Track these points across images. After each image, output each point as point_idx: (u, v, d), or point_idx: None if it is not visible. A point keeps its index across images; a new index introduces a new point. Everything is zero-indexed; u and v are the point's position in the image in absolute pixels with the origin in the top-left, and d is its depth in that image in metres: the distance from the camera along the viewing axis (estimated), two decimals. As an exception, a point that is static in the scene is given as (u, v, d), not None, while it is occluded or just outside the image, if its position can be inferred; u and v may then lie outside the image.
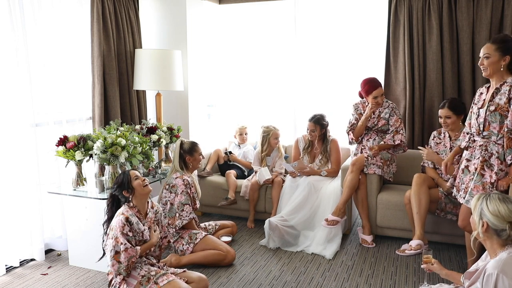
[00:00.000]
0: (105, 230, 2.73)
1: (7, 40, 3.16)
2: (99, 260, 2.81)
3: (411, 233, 3.54)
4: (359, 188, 3.73)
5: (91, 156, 3.30)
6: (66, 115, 3.70)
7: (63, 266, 3.38)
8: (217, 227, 3.81)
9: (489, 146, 2.75)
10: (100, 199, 3.15)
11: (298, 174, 4.04)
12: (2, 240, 3.19)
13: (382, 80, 4.01)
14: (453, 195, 3.01)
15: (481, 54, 2.73)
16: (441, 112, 3.48)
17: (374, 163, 3.74)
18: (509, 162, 2.69)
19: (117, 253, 2.54)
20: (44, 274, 3.23)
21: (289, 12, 4.81)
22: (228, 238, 3.72)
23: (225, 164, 4.56)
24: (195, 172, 3.69)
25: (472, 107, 2.91)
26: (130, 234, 2.57)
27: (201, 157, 3.53)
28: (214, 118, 5.39)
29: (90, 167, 3.56)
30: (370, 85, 3.80)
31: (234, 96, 5.28)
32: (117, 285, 2.59)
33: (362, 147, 3.94)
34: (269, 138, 4.35)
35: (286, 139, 4.79)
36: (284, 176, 4.27)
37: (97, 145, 3.16)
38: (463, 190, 2.82)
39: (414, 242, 3.45)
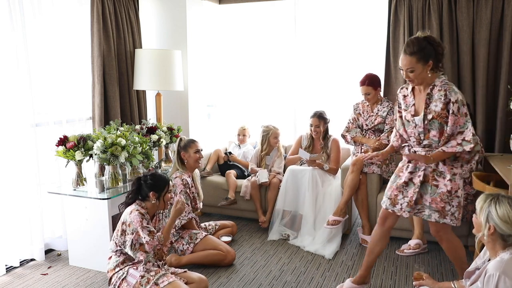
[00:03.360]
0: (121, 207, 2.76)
1: (7, 40, 3.16)
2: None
3: (411, 233, 3.55)
4: (359, 188, 3.73)
5: (91, 156, 3.30)
6: (66, 115, 3.70)
7: (63, 266, 3.38)
8: (217, 227, 3.81)
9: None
10: (100, 199, 3.15)
11: (303, 162, 4.04)
12: (2, 240, 3.19)
13: (382, 80, 4.01)
14: (384, 207, 2.78)
15: (402, 67, 2.53)
16: None
17: (374, 162, 3.75)
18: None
19: (141, 245, 2.59)
20: (44, 274, 3.23)
21: (289, 12, 4.81)
22: (228, 238, 3.72)
23: (225, 164, 4.56)
24: (197, 172, 3.68)
25: (401, 112, 2.73)
26: (150, 225, 2.61)
27: (197, 155, 3.48)
28: (214, 118, 5.39)
29: (90, 167, 3.57)
30: (362, 79, 3.88)
31: (234, 96, 5.28)
32: (117, 284, 2.59)
33: (362, 146, 3.94)
34: (269, 138, 4.35)
35: (286, 138, 4.79)
36: (282, 175, 4.27)
37: (97, 145, 3.16)
38: (406, 203, 2.65)
39: (413, 242, 3.46)
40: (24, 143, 3.31)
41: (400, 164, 2.80)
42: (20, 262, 3.38)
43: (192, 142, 3.50)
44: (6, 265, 3.26)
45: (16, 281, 3.12)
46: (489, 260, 1.99)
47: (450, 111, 2.49)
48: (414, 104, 2.65)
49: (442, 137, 2.55)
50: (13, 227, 3.27)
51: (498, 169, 3.08)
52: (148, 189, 2.67)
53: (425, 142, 2.61)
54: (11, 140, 3.24)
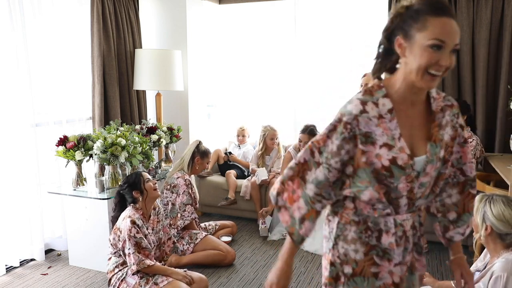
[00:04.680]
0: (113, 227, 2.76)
1: (7, 40, 3.16)
2: None
3: (411, 233, 3.53)
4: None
5: (91, 156, 3.30)
6: (66, 115, 3.70)
7: (63, 266, 3.38)
8: (217, 227, 3.81)
9: (416, 222, 1.45)
10: (100, 199, 3.15)
11: None
12: (2, 240, 3.19)
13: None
14: None
15: (446, 39, 1.23)
16: None
17: None
18: (459, 238, 1.62)
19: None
20: (44, 274, 3.23)
21: (289, 12, 4.81)
22: (228, 238, 3.72)
23: (225, 164, 4.56)
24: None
25: (363, 149, 1.30)
26: (138, 236, 2.57)
27: (207, 165, 3.61)
28: (214, 118, 5.39)
29: (90, 167, 3.56)
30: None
31: (234, 96, 5.28)
32: (117, 285, 2.59)
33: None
34: (265, 138, 4.38)
35: (286, 139, 4.79)
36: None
37: (97, 145, 3.16)
38: None
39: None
40: (24, 143, 3.31)
41: (359, 253, 1.45)
42: (20, 262, 3.38)
43: (209, 152, 3.59)
44: (6, 265, 3.26)
45: (16, 281, 3.12)
46: (489, 261, 1.98)
47: (462, 141, 1.46)
48: (401, 135, 1.31)
49: (433, 189, 1.42)
50: (13, 227, 3.27)
51: (498, 169, 3.08)
52: (129, 192, 2.70)
53: (421, 201, 1.41)
54: (11, 140, 3.23)
